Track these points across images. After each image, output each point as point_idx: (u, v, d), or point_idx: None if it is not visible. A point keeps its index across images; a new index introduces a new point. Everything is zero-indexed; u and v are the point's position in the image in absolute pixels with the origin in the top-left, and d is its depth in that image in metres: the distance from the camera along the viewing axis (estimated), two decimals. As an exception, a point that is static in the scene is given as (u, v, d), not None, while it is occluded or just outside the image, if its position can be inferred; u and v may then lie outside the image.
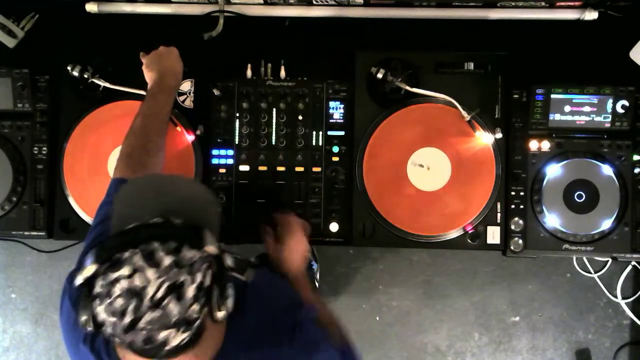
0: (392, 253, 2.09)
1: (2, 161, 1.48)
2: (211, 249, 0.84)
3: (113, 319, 0.77)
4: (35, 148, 1.50)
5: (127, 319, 0.76)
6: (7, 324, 2.16)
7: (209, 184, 1.47)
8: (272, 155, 1.47)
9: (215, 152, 1.48)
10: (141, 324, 0.77)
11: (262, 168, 1.47)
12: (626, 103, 1.43)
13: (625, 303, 2.02)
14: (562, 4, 1.52)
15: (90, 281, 0.80)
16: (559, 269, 2.07)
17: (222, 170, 1.48)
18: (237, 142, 1.48)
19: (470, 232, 1.44)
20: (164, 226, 0.84)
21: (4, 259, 2.15)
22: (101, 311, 0.78)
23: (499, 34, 1.56)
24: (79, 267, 0.90)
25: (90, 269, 0.79)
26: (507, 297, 2.08)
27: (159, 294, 0.77)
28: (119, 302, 0.77)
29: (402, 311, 2.09)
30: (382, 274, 2.10)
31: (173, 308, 0.77)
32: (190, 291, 0.79)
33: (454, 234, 1.44)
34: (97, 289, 0.79)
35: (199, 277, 0.80)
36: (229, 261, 0.86)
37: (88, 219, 1.47)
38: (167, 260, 0.78)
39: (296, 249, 1.27)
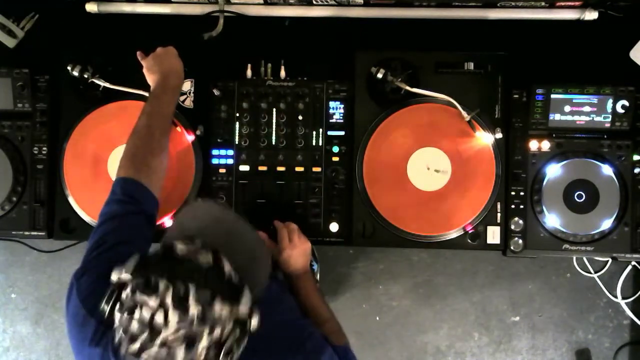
0: (392, 253, 2.08)
1: (2, 161, 1.48)
2: (243, 309, 0.83)
3: (124, 336, 0.80)
4: (35, 148, 1.50)
5: (135, 345, 0.78)
6: (7, 324, 2.16)
7: (209, 184, 1.47)
8: (272, 155, 1.47)
9: (215, 152, 1.48)
10: (145, 355, 0.78)
11: (262, 168, 1.47)
12: (626, 103, 1.43)
13: (625, 303, 2.02)
14: (562, 4, 1.52)
15: (120, 286, 0.83)
16: (559, 269, 2.06)
17: (222, 170, 1.48)
18: (237, 142, 1.48)
19: (470, 232, 1.44)
20: (208, 270, 0.83)
21: (4, 259, 2.14)
22: (118, 319, 0.81)
23: (499, 34, 1.56)
24: (85, 265, 1.00)
25: (125, 276, 0.82)
26: (507, 297, 2.08)
27: (173, 338, 0.78)
28: (135, 326, 0.79)
29: (402, 311, 2.09)
30: (382, 274, 2.09)
31: (180, 354, 0.79)
32: (202, 344, 0.79)
33: (454, 234, 1.44)
34: (123, 296, 0.81)
35: (217, 334, 0.80)
36: (254, 322, 0.86)
37: (88, 218, 1.47)
38: (194, 310, 0.78)
39: (300, 246, 1.28)
